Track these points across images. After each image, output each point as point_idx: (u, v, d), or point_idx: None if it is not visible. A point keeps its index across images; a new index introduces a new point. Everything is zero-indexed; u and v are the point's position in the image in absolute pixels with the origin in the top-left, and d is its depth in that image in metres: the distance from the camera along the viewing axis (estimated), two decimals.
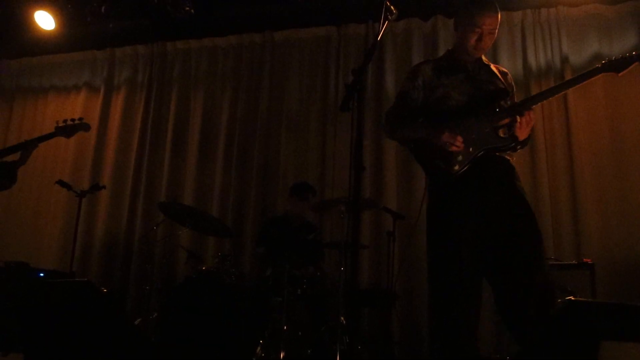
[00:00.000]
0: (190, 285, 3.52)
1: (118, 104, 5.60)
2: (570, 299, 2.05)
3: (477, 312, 2.04)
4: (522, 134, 2.13)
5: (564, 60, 4.46)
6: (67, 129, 3.41)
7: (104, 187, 4.31)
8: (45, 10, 4.92)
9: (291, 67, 5.11)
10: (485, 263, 2.02)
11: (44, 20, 4.96)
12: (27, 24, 5.06)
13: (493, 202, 2.10)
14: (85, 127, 3.48)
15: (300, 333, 3.36)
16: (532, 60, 4.54)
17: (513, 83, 2.36)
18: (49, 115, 5.76)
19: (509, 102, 2.22)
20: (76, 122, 3.46)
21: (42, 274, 4.28)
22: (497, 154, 2.18)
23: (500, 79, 2.27)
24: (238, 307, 3.39)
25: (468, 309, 2.01)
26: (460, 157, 2.13)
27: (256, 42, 5.25)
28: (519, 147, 2.20)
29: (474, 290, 2.03)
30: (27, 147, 3.22)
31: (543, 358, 1.62)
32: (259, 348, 3.29)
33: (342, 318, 3.23)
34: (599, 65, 2.18)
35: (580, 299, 2.07)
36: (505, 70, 2.38)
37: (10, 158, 3.30)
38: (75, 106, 5.68)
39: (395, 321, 4.26)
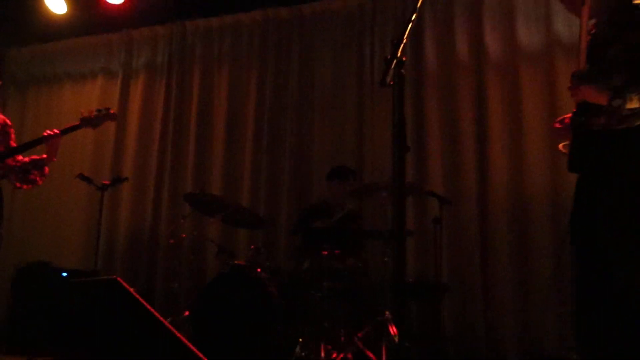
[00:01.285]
0: (222, 282, 3.59)
1: (137, 89, 5.68)
2: None
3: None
4: None
5: None
6: (93, 120, 3.44)
7: (126, 179, 4.40)
8: None
9: (322, 43, 5.09)
10: None
11: (55, 4, 5.02)
12: (37, 9, 5.13)
13: None
14: (113, 117, 3.51)
15: (342, 330, 3.39)
16: (559, 28, 4.36)
17: None
18: (65, 105, 5.88)
19: None
20: (103, 112, 3.48)
21: (65, 274, 4.39)
22: None
23: None
24: (274, 304, 3.44)
25: None
26: None
27: (283, 17, 5.25)
28: None
29: None
30: (50, 140, 3.28)
31: None
32: (298, 347, 3.33)
33: (388, 313, 3.29)
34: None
35: None
36: None
37: (31, 152, 3.37)
38: (92, 94, 5.77)
39: (446, 315, 4.27)
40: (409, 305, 4.10)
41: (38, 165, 3.32)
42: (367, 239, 4.18)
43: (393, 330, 3.18)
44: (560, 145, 2.24)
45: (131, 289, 2.19)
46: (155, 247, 5.17)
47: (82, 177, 4.22)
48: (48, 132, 3.33)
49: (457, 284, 4.35)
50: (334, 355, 3.26)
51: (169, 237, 4.70)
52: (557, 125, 2.31)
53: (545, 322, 4.04)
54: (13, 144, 3.39)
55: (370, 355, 3.28)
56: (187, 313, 3.80)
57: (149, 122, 5.52)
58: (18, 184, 3.32)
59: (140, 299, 2.09)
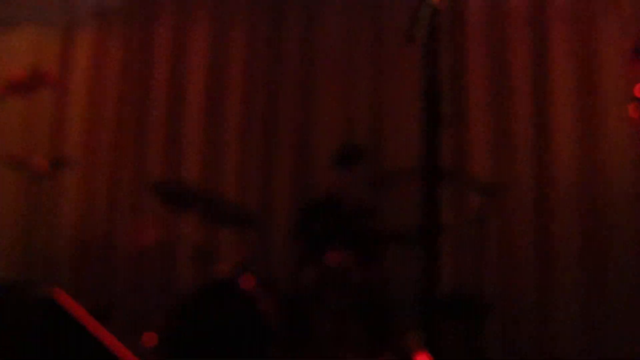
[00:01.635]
0: (199, 298, 3.65)
1: (84, 45, 5.63)
2: None
3: None
4: None
5: None
6: (22, 86, 3.42)
7: (69, 163, 4.39)
8: None
9: None
10: None
11: None
12: None
13: None
14: (49, 81, 3.53)
15: (354, 359, 3.44)
16: None
17: None
18: None
19: None
20: (35, 74, 3.46)
21: None
22: None
23: None
24: (267, 327, 3.51)
25: None
26: None
27: None
28: None
29: None
30: None
31: None
32: None
33: (414, 336, 3.32)
34: None
35: None
36: None
37: None
38: (20, 48, 5.70)
39: (490, 339, 4.28)
40: (441, 327, 3.96)
41: None
42: (388, 242, 4.21)
43: (421, 358, 3.20)
44: None
45: (76, 307, 2.26)
46: (112, 252, 5.16)
47: (8, 161, 4.21)
48: None
49: (504, 299, 4.39)
50: None
51: (130, 240, 4.77)
52: None
53: (626, 352, 4.07)
54: None
55: None
56: (154, 339, 3.83)
57: (100, 87, 5.50)
58: None
59: (88, 320, 2.17)
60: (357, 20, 5.01)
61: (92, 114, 5.44)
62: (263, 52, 5.20)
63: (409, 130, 4.61)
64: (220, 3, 5.40)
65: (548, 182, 4.46)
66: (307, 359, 3.47)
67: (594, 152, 4.39)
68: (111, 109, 5.39)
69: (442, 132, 1.75)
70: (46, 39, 5.67)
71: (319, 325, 3.53)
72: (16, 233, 5.37)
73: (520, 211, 4.43)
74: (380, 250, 4.14)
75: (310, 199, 4.57)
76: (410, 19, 1.86)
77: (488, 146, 4.58)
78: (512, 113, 4.62)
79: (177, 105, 5.31)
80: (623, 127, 4.28)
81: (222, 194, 4.44)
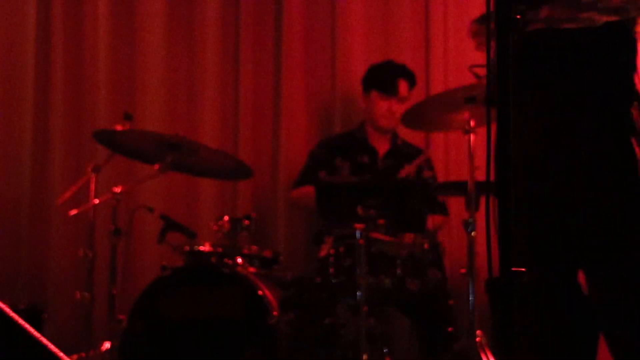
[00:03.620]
0: (172, 284, 3.56)
1: None
2: None
3: None
4: None
5: None
6: None
7: None
8: None
9: None
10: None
11: None
12: None
13: None
14: None
15: None
16: None
17: None
18: None
19: None
20: None
21: None
22: None
23: None
24: (268, 322, 3.33)
25: None
26: None
27: None
28: None
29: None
30: None
31: None
32: None
33: (481, 332, 3.31)
34: None
35: None
36: None
37: None
38: None
39: None
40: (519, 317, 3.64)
41: None
42: (442, 198, 4.28)
43: None
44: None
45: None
46: (45, 226, 4.74)
47: None
48: None
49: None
50: None
51: (67, 206, 4.20)
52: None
53: None
54: None
55: None
56: (107, 344, 3.64)
57: None
58: None
59: (16, 320, 1.83)
60: None
61: (6, 39, 4.93)
62: None
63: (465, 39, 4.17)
64: None
65: None
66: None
67: None
68: (32, 26, 4.89)
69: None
70: None
71: (343, 322, 3.36)
72: None
73: None
74: (431, 213, 3.99)
75: (326, 140, 4.50)
76: None
77: None
78: None
79: (127, 16, 4.87)
80: None
81: (197, 140, 4.08)
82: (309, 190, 4.04)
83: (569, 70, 2.17)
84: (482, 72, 2.41)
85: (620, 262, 2.12)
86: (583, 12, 2.13)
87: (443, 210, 4.28)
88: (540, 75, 2.18)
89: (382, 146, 4.29)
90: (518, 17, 1.68)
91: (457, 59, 4.69)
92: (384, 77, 4.22)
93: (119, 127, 3.88)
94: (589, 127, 2.15)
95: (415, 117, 4.07)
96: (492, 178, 1.69)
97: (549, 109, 2.18)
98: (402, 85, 4.15)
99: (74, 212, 4.13)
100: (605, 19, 2.12)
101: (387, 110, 4.15)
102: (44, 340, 2.73)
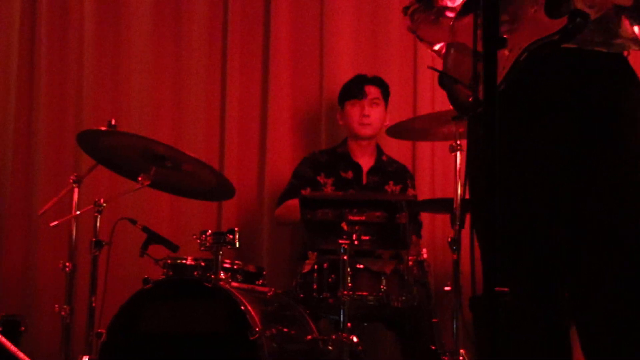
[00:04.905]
0: (154, 299, 3.48)
1: None
2: None
3: None
4: None
5: None
6: None
7: None
8: None
9: None
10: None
11: None
12: None
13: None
14: None
15: None
16: None
17: None
18: None
19: None
20: None
21: None
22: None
23: None
24: (253, 341, 3.20)
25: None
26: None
27: None
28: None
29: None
30: None
31: None
32: None
33: (464, 352, 3.36)
34: None
35: None
36: None
37: None
38: None
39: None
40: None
41: None
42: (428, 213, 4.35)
43: None
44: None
45: None
46: (26, 235, 4.77)
47: None
48: None
49: None
50: None
51: (48, 217, 4.21)
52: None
53: None
54: None
55: None
56: (85, 358, 3.63)
57: None
58: None
59: None
60: None
61: None
62: None
63: None
64: None
65: None
66: None
67: None
68: (16, 21, 4.99)
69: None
70: None
71: (327, 339, 3.30)
72: None
73: None
74: (416, 229, 4.17)
75: (311, 156, 4.47)
76: None
77: None
78: None
79: (112, 19, 4.97)
80: None
81: (183, 151, 3.89)
82: (293, 203, 4.03)
83: (591, 92, 2.26)
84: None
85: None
86: (617, 39, 2.27)
87: (417, 231, 4.24)
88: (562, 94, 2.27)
89: (366, 162, 4.30)
90: (505, 37, 1.77)
91: None
92: (351, 85, 4.28)
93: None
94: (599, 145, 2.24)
95: (402, 131, 4.10)
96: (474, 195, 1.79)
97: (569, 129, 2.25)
98: (370, 89, 4.20)
99: (55, 223, 4.15)
100: (634, 48, 2.28)
101: (360, 115, 4.19)
102: (21, 355, 2.68)
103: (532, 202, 2.32)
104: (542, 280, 2.31)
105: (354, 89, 4.22)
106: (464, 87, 2.30)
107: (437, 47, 2.63)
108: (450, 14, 2.53)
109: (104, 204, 3.94)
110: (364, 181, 4.32)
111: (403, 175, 4.17)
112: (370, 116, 4.13)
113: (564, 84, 2.32)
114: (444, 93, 4.57)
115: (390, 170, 4.25)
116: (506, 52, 2.20)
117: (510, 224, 2.17)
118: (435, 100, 4.53)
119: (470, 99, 2.17)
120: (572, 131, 2.29)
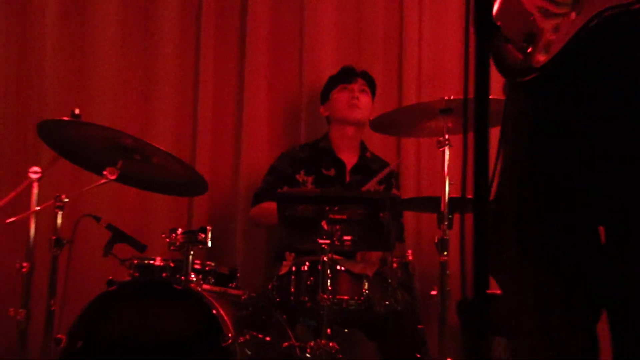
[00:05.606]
0: (119, 302, 3.44)
1: None
2: None
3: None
4: None
5: None
6: None
7: None
8: None
9: None
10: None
11: None
12: None
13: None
14: None
15: None
16: None
17: None
18: None
19: None
20: None
21: None
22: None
23: None
24: (226, 347, 3.18)
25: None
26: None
27: None
28: None
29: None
30: None
31: None
32: None
33: None
34: None
35: None
36: None
37: None
38: None
39: None
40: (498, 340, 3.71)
41: None
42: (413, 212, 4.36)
43: None
44: None
45: None
46: None
47: None
48: None
49: None
50: None
51: (5, 213, 4.06)
52: None
53: None
54: None
55: None
56: None
57: None
58: None
59: None
60: None
61: None
62: None
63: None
64: None
65: None
66: None
67: None
68: None
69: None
70: None
71: (303, 346, 3.30)
72: None
73: None
74: (399, 231, 4.17)
75: (290, 149, 4.44)
76: None
77: None
78: None
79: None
80: None
81: (152, 143, 3.82)
82: (269, 206, 3.99)
83: None
84: None
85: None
86: None
87: (400, 235, 4.23)
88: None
89: (350, 158, 4.25)
90: (499, 23, 1.68)
91: (432, 68, 4.72)
92: (340, 73, 4.26)
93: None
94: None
95: (386, 124, 4.02)
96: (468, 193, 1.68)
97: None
98: (359, 80, 4.19)
99: (11, 219, 4.04)
100: None
101: (350, 97, 4.16)
102: None
103: (576, 193, 2.21)
104: (579, 269, 2.23)
105: (343, 75, 4.21)
106: (515, 47, 2.19)
107: None
108: None
109: (66, 200, 3.82)
110: (347, 179, 4.28)
111: (387, 174, 4.12)
112: (360, 99, 4.10)
113: (636, 62, 2.16)
114: (431, 89, 4.54)
115: (374, 169, 4.19)
116: (573, 15, 2.09)
117: (552, 215, 2.18)
118: (421, 95, 4.48)
119: (520, 62, 2.08)
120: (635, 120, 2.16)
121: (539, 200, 2.25)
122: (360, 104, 4.06)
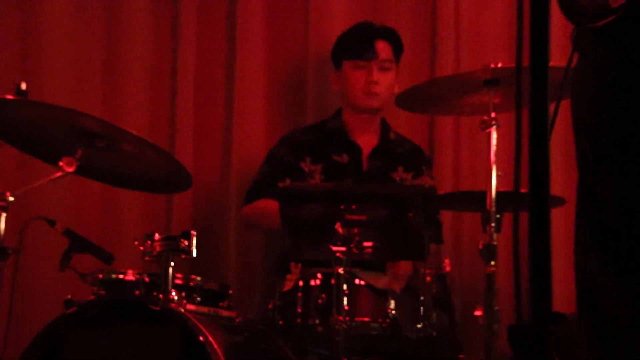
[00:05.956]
0: (82, 324, 3.42)
1: None
2: None
3: None
4: None
5: None
6: None
7: None
8: None
9: None
10: None
11: None
12: None
13: None
14: None
15: None
16: None
17: None
18: None
19: None
20: None
21: None
22: None
23: None
24: None
25: None
26: None
27: None
28: None
29: None
30: None
31: None
32: None
33: None
34: None
35: None
36: None
37: None
38: None
39: None
40: None
41: None
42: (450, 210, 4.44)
43: None
44: None
45: None
46: None
47: None
48: None
49: None
50: None
51: None
52: None
53: None
54: None
55: None
56: None
57: None
58: None
59: None
60: None
61: None
62: None
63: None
64: None
65: None
66: None
67: None
68: None
69: None
70: None
71: None
72: None
73: None
74: (437, 233, 4.25)
75: (292, 134, 4.47)
76: None
77: None
78: None
79: None
80: None
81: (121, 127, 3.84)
82: (267, 205, 3.99)
83: None
84: None
85: None
86: None
87: (438, 235, 4.26)
88: None
89: (367, 141, 4.22)
90: None
91: (473, 27, 4.73)
92: (356, 39, 4.18)
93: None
94: None
95: (416, 99, 3.96)
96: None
97: None
98: (381, 46, 4.10)
99: None
100: None
101: (366, 82, 4.07)
102: None
103: None
104: None
105: (359, 45, 4.10)
106: None
107: None
108: None
109: (11, 198, 3.74)
110: (365, 167, 4.23)
111: (416, 158, 4.09)
112: (380, 83, 4.02)
113: None
114: (472, 55, 4.55)
115: (399, 152, 4.18)
116: None
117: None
118: (460, 60, 4.48)
119: (594, 2, 2.08)
120: None
121: None
122: (379, 89, 4.00)
